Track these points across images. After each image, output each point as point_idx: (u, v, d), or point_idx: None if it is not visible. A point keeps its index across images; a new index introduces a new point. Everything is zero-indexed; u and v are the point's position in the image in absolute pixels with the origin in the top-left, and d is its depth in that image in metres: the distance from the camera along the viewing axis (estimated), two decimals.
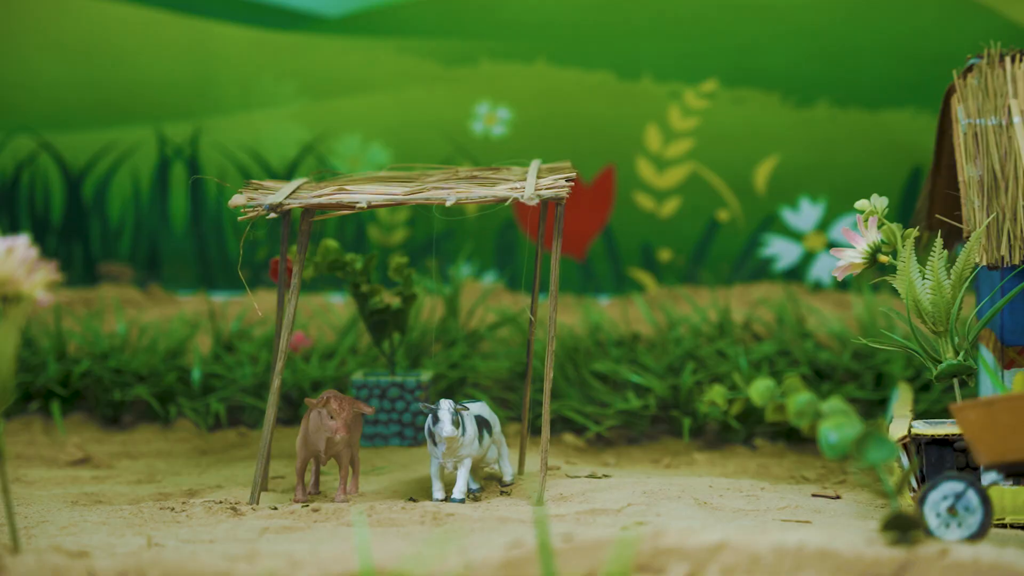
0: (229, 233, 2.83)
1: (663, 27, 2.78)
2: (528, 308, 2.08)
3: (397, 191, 1.58)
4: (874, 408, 2.07)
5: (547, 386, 1.57)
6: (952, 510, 1.31)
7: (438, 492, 1.60)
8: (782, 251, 2.75)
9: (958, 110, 1.64)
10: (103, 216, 2.83)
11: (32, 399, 2.20)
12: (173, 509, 1.55)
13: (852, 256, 1.59)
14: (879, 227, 1.58)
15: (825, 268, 2.77)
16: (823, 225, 2.75)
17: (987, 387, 1.75)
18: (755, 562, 1.17)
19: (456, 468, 1.60)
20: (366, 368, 2.11)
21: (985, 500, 1.30)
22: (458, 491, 1.59)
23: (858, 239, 1.59)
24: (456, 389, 2.15)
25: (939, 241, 1.53)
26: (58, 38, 2.80)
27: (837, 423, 1.28)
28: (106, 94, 2.82)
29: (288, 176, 2.80)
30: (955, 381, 1.55)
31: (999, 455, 1.31)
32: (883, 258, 1.59)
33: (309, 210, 1.59)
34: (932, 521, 1.30)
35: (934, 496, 1.31)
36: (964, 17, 2.66)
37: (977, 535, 1.30)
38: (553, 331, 1.55)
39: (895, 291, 1.56)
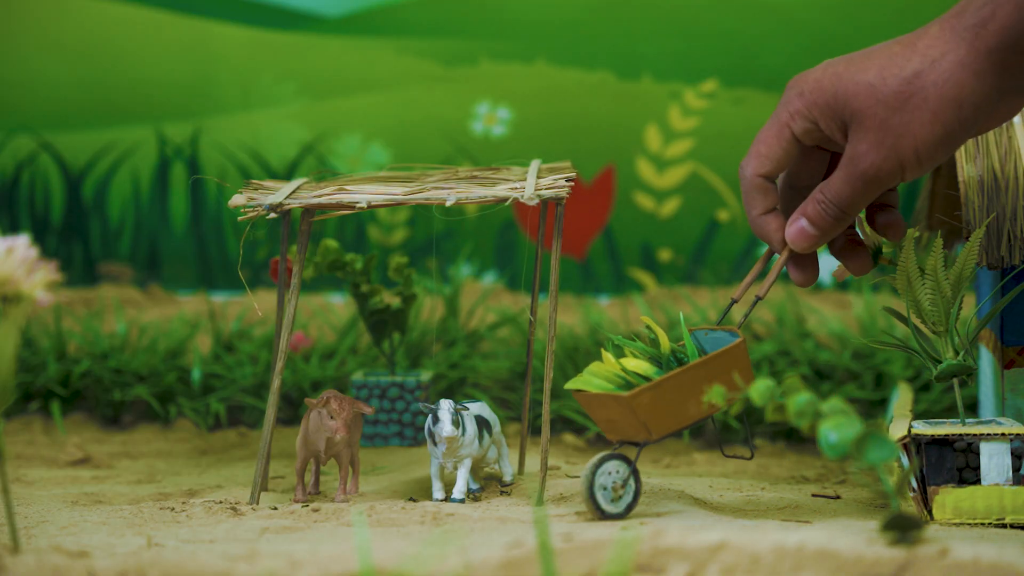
0: (229, 233, 2.83)
1: (663, 27, 2.78)
2: (528, 308, 2.08)
3: (397, 191, 1.58)
4: (874, 408, 2.08)
5: (547, 386, 1.57)
6: (617, 487, 1.46)
7: (438, 492, 1.60)
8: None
9: None
10: (103, 216, 2.83)
11: (32, 399, 2.20)
12: (173, 509, 1.55)
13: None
14: None
15: (825, 268, 2.77)
16: None
17: (988, 387, 1.75)
18: (755, 562, 1.17)
19: (456, 468, 1.60)
20: (366, 368, 2.12)
21: (638, 482, 1.47)
22: (458, 491, 1.59)
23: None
24: (456, 389, 2.15)
25: (939, 241, 1.53)
26: (58, 38, 2.80)
27: (837, 423, 1.28)
28: (106, 94, 2.82)
29: (288, 176, 2.80)
30: (955, 381, 1.55)
31: (668, 428, 1.44)
32: (883, 259, 1.59)
33: (309, 210, 1.59)
34: (599, 495, 1.45)
35: (604, 469, 1.46)
36: None
37: (624, 514, 1.46)
38: (553, 331, 1.55)
39: (895, 291, 1.56)
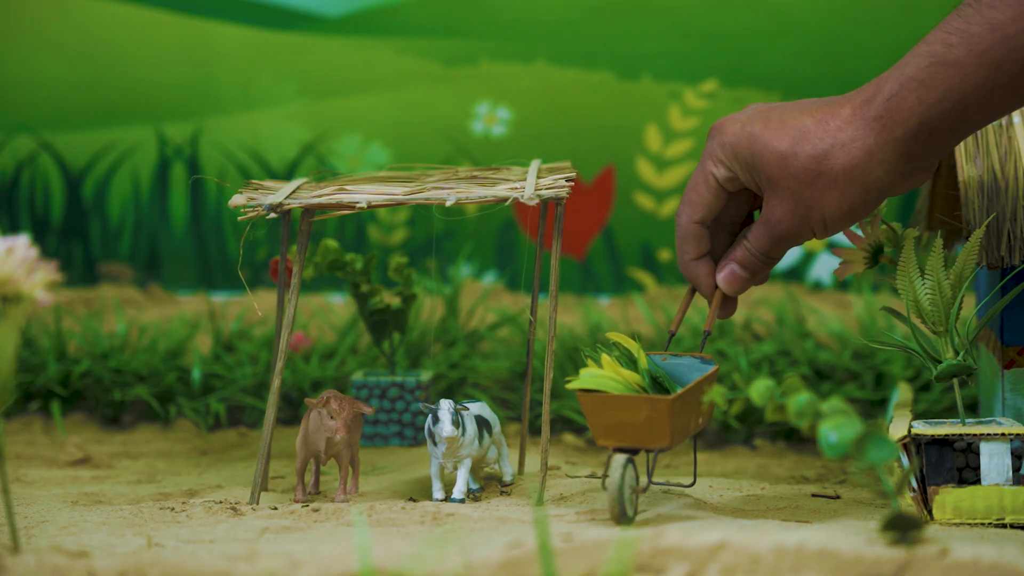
0: (229, 233, 2.83)
1: (663, 27, 2.78)
2: (528, 308, 2.08)
3: (397, 191, 1.58)
4: (874, 408, 2.07)
5: (547, 386, 1.57)
6: (636, 490, 1.46)
7: (438, 492, 1.60)
8: None
9: None
10: (103, 216, 2.83)
11: (32, 399, 2.20)
12: (173, 509, 1.55)
13: (853, 256, 1.59)
14: (879, 227, 1.58)
15: (825, 268, 2.77)
16: None
17: (988, 387, 1.75)
18: (755, 562, 1.17)
19: (456, 468, 1.60)
20: (366, 368, 2.11)
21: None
22: (458, 491, 1.59)
23: (858, 238, 1.59)
24: (456, 389, 2.15)
25: (939, 241, 1.53)
26: (58, 38, 2.80)
27: (837, 423, 1.28)
28: (106, 94, 2.82)
29: (288, 176, 2.80)
30: (955, 381, 1.55)
31: (682, 437, 1.46)
32: (884, 259, 1.59)
33: (309, 210, 1.59)
34: (627, 500, 1.44)
35: (630, 473, 1.45)
36: None
37: (634, 518, 1.45)
38: (553, 331, 1.55)
39: (895, 291, 1.56)
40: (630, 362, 1.50)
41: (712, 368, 1.52)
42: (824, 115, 1.45)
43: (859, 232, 1.59)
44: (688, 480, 1.65)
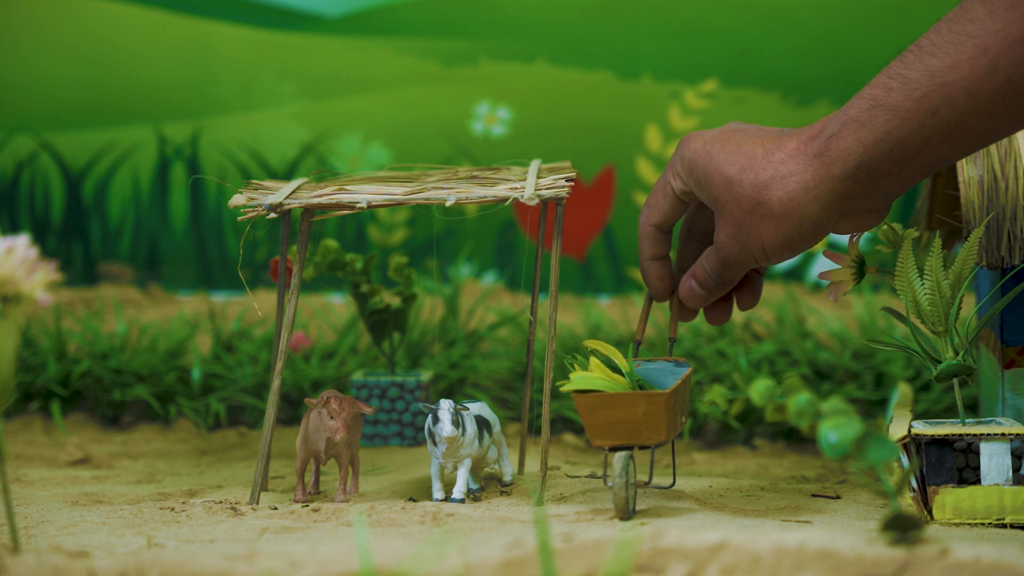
0: (229, 233, 2.83)
1: (663, 27, 2.78)
2: (528, 308, 2.08)
3: (397, 191, 1.58)
4: (874, 408, 2.08)
5: (547, 386, 1.57)
6: (637, 485, 1.49)
7: (438, 492, 1.60)
8: None
9: None
10: (103, 216, 2.83)
11: (32, 399, 2.20)
12: (173, 509, 1.55)
13: (840, 275, 1.61)
14: (878, 228, 1.58)
15: (825, 268, 2.77)
16: None
17: (988, 387, 1.75)
18: (755, 562, 1.17)
19: (456, 468, 1.60)
20: (366, 368, 2.12)
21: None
22: (458, 491, 1.59)
23: (841, 257, 1.60)
24: (456, 389, 2.15)
25: (938, 241, 1.53)
26: (58, 38, 2.80)
27: (837, 423, 1.28)
28: (106, 94, 2.82)
29: (288, 176, 2.80)
30: (955, 381, 1.55)
31: (674, 431, 1.49)
32: (870, 270, 1.60)
33: (309, 210, 1.59)
34: (630, 496, 1.48)
35: (633, 469, 1.47)
36: None
37: (634, 513, 1.48)
38: (553, 331, 1.55)
39: (895, 291, 1.57)
40: (611, 366, 1.53)
41: (687, 370, 1.56)
42: (772, 146, 1.48)
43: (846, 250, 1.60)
44: (668, 481, 1.66)
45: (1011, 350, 1.62)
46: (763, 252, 1.49)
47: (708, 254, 1.55)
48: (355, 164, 2.81)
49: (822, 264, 2.76)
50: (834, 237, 2.74)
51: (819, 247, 2.77)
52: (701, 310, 1.62)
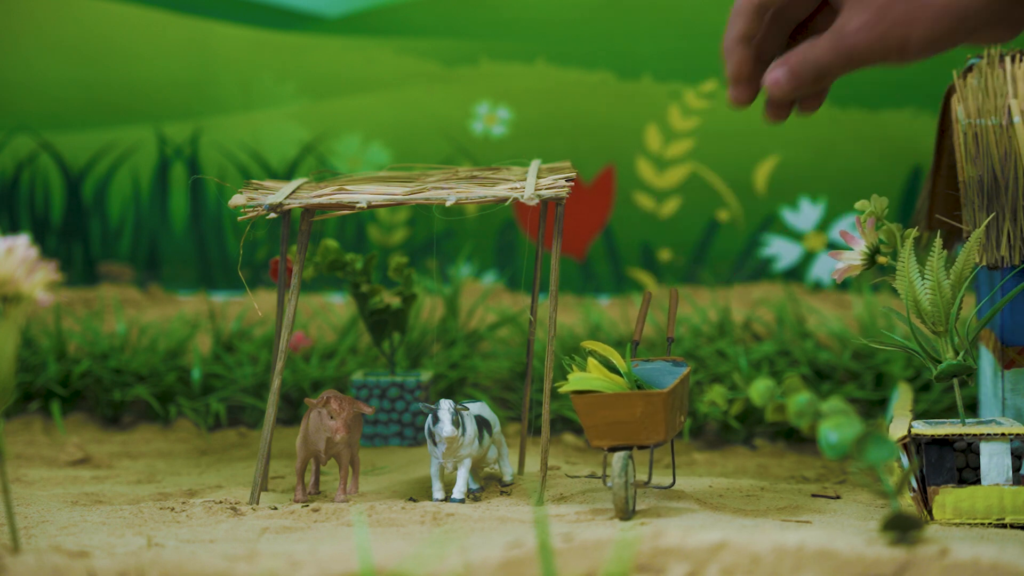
0: (229, 233, 2.83)
1: (663, 27, 2.78)
2: (528, 308, 2.08)
3: (397, 191, 1.58)
4: (874, 408, 2.08)
5: (547, 386, 1.57)
6: (636, 485, 1.50)
7: (438, 492, 1.60)
8: (782, 251, 2.75)
9: (958, 110, 1.64)
10: (103, 216, 2.83)
11: (32, 399, 2.20)
12: (173, 509, 1.55)
13: (851, 258, 1.60)
14: (878, 227, 1.58)
15: (825, 268, 2.77)
16: (823, 225, 2.75)
17: (988, 387, 1.75)
18: (755, 562, 1.17)
19: (456, 468, 1.60)
20: (366, 368, 2.12)
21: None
22: (458, 491, 1.59)
23: (856, 240, 1.59)
24: (456, 389, 2.15)
25: (938, 241, 1.53)
26: (58, 38, 2.80)
27: (837, 423, 1.28)
28: (106, 94, 2.82)
29: (288, 176, 2.80)
30: (955, 381, 1.55)
31: (673, 431, 1.50)
32: (882, 259, 1.59)
33: (309, 210, 1.59)
34: (630, 495, 1.47)
35: (632, 470, 1.47)
36: None
37: (634, 513, 1.49)
38: (553, 331, 1.55)
39: (895, 291, 1.57)
40: (609, 367, 1.53)
41: (686, 370, 1.56)
42: None
43: (856, 233, 1.59)
44: (668, 481, 1.66)
45: (1011, 350, 1.62)
46: (901, 48, 1.32)
47: (820, 44, 1.36)
48: (355, 164, 2.81)
49: (823, 264, 2.76)
50: (835, 237, 2.74)
51: (821, 247, 2.76)
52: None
